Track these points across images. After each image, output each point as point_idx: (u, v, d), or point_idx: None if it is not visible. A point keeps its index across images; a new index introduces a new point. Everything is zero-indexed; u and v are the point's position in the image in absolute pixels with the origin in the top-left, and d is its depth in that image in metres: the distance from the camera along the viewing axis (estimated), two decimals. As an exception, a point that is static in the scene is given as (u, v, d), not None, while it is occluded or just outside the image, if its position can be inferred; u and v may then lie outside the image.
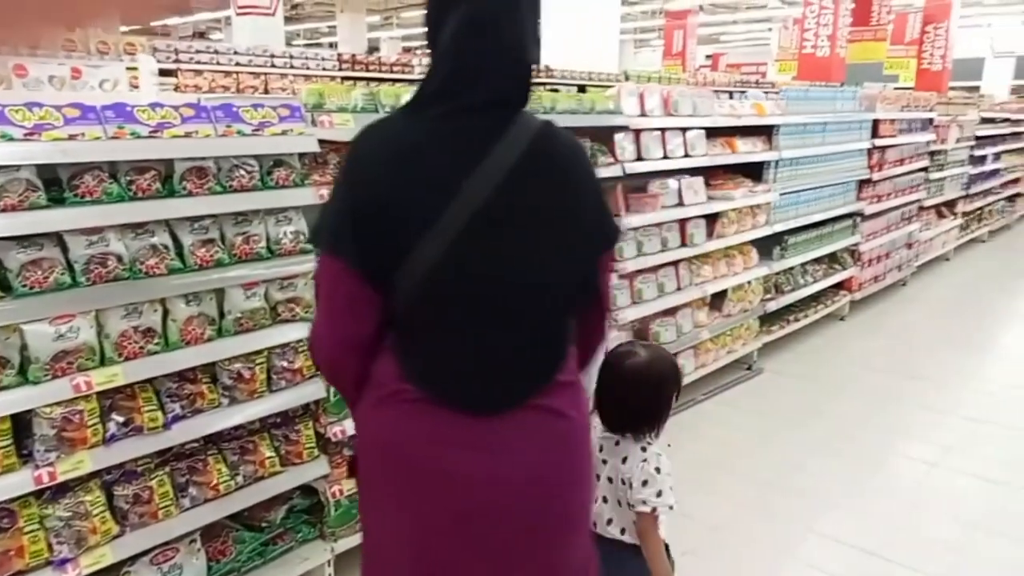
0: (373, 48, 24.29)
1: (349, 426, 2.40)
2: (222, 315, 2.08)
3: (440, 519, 1.27)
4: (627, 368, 1.76)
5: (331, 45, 22.19)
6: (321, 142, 2.39)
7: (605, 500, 1.80)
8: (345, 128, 2.23)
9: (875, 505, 3.06)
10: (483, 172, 1.21)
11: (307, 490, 2.45)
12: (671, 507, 1.73)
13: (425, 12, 1.29)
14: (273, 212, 2.15)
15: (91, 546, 1.83)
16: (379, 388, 1.29)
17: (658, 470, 1.74)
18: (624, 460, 1.77)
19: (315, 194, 2.16)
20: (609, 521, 1.79)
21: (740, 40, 26.50)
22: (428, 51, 1.29)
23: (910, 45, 16.48)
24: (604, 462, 1.80)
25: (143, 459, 1.99)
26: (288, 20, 19.48)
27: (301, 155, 2.23)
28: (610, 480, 1.79)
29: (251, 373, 2.13)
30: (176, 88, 5.66)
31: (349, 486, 2.43)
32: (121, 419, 1.89)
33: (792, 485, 3.13)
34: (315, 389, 2.30)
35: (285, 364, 2.22)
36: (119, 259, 1.84)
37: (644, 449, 1.77)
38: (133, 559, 1.98)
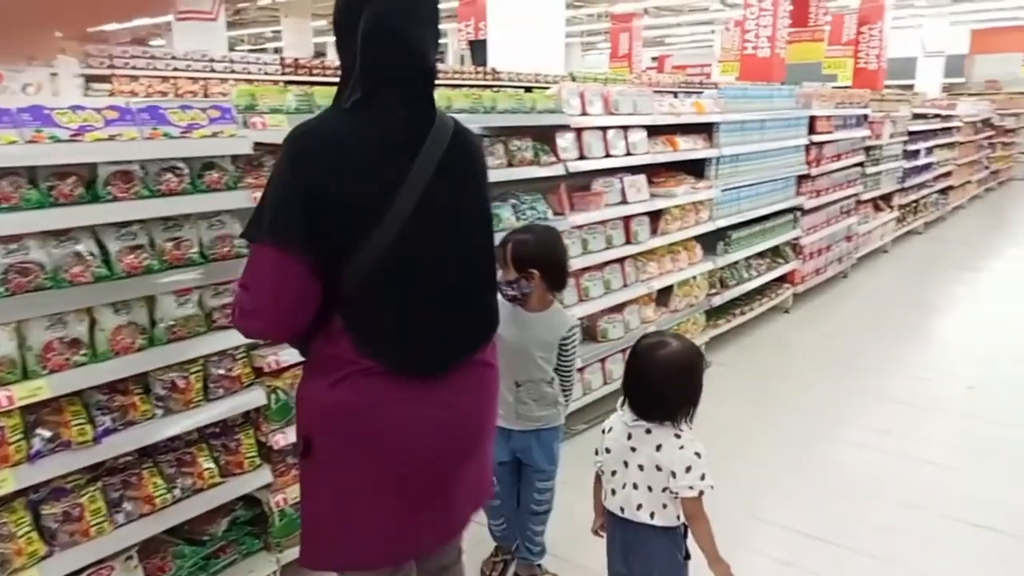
0: (320, 53, 23.99)
1: (291, 433, 2.36)
2: (154, 323, 2.02)
3: (403, 469, 1.48)
4: (660, 358, 1.84)
5: (276, 50, 21.83)
6: (257, 144, 2.36)
7: (635, 487, 1.86)
8: (279, 129, 2.19)
9: (817, 490, 3.14)
10: (420, 166, 1.39)
11: (250, 501, 2.40)
12: (712, 487, 1.81)
13: (334, 18, 1.44)
14: (206, 216, 2.10)
15: (16, 569, 1.75)
16: (338, 368, 1.43)
17: (698, 455, 1.81)
18: (659, 448, 1.83)
19: (249, 197, 2.11)
20: (639, 506, 1.86)
21: (685, 42, 27.00)
22: (339, 53, 1.45)
23: (847, 45, 17.02)
24: (633, 450, 1.86)
25: (72, 475, 1.91)
26: (232, 25, 19.12)
27: (234, 157, 2.18)
28: (641, 468, 1.84)
29: (186, 382, 2.08)
30: (110, 94, 5.49)
31: (294, 495, 2.38)
32: (47, 434, 1.82)
33: (737, 474, 3.19)
34: (255, 396, 2.25)
35: (222, 372, 2.17)
36: (41, 268, 1.77)
37: (679, 436, 1.84)
38: (65, 579, 1.90)
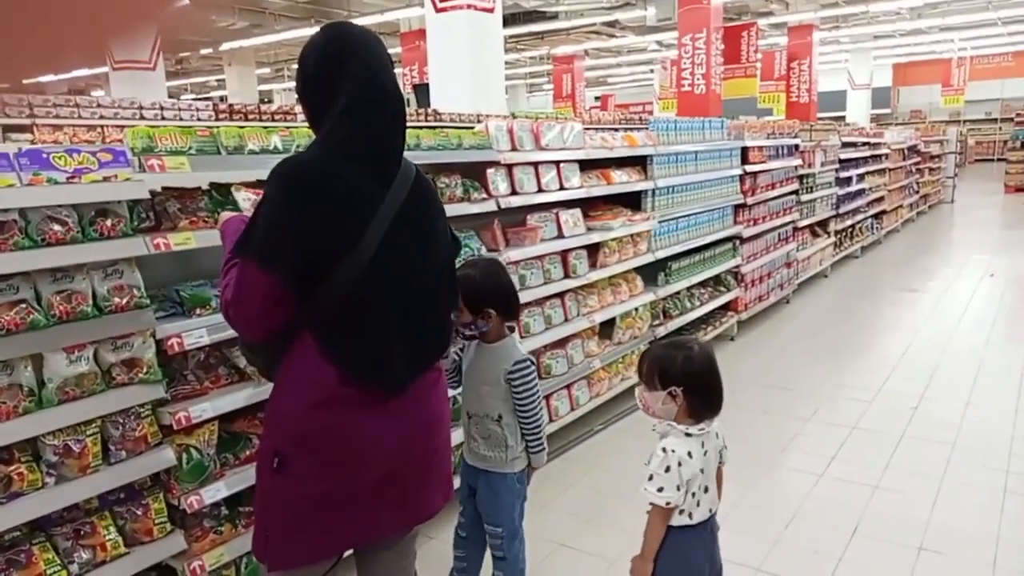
0: (267, 100, 23.87)
1: (207, 494, 2.20)
2: (42, 384, 1.86)
3: (372, 475, 1.64)
4: (707, 355, 1.95)
5: (222, 99, 21.63)
6: (165, 189, 2.24)
7: (707, 489, 1.95)
8: (180, 172, 2.08)
9: (759, 520, 3.08)
10: (389, 202, 1.60)
11: (164, 571, 2.21)
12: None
13: (315, 69, 1.62)
14: (100, 266, 1.96)
15: None
16: (313, 389, 1.58)
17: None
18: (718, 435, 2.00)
19: (148, 243, 1.99)
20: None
21: (626, 82, 27.77)
22: (316, 99, 1.64)
23: (779, 80, 17.73)
24: (705, 454, 1.93)
25: (-54, 557, 1.73)
26: (175, 75, 18.92)
27: (135, 203, 2.06)
28: (703, 470, 1.92)
29: (82, 446, 1.91)
30: (31, 144, 5.28)
31: (212, 560, 2.21)
32: (-86, 513, 1.64)
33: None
34: (163, 457, 2.09)
35: (124, 433, 2.01)
36: (-97, 329, 1.61)
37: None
38: (-62, 677, 1.70)
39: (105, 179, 1.90)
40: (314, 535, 1.65)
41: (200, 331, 2.14)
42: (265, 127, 2.41)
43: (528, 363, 2.27)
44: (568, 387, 3.92)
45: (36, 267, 1.81)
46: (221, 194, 2.37)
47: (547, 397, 3.77)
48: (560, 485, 3.46)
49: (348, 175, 1.57)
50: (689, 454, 1.89)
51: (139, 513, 2.07)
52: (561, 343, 3.89)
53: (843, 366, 5.18)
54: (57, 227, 1.83)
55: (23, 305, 1.79)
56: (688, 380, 1.91)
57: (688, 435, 1.91)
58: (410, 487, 1.74)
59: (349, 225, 1.55)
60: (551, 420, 3.79)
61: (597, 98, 27.36)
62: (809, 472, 3.52)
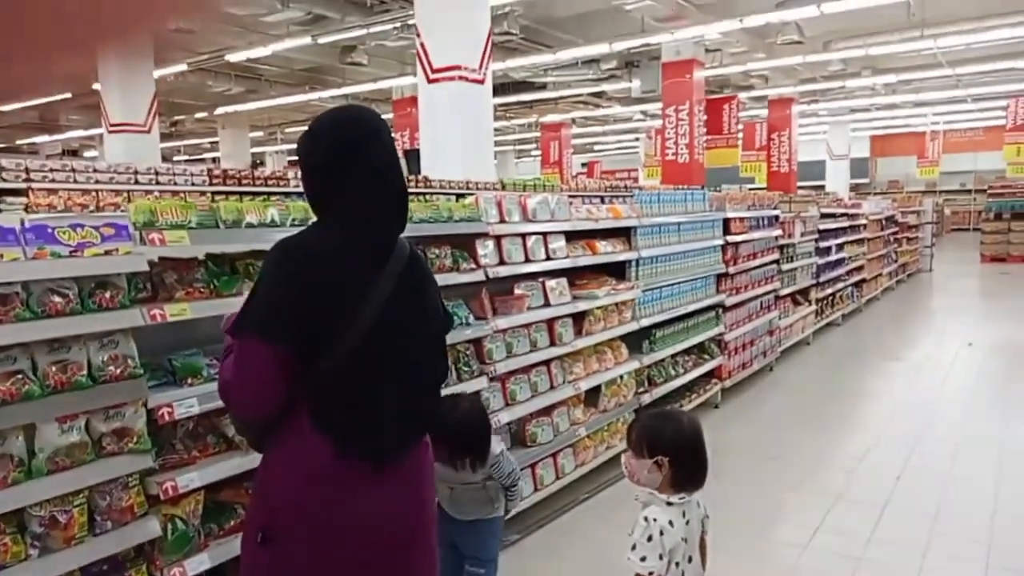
0: (259, 163, 24.22)
1: (190, 566, 2.19)
2: (32, 454, 1.88)
3: (366, 551, 1.65)
4: (695, 429, 2.03)
5: (214, 160, 21.94)
6: (162, 259, 2.30)
7: (690, 560, 1.98)
8: (180, 245, 2.16)
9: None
10: (384, 280, 1.65)
11: (142, 645, 2.18)
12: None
13: (326, 155, 1.64)
14: (96, 336, 2.01)
15: None
16: (308, 465, 1.59)
17: None
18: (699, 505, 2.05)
19: (145, 314, 2.04)
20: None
21: (612, 149, 28.48)
22: (321, 180, 1.67)
23: (760, 151, 18.27)
24: (688, 524, 1.98)
25: (-76, 632, 1.71)
26: (167, 137, 19.23)
27: (133, 275, 2.12)
28: (687, 540, 1.97)
29: (68, 517, 1.92)
30: (26, 208, 5.36)
31: (191, 635, 2.18)
32: None
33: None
34: (149, 528, 2.09)
35: (111, 503, 2.01)
36: (-100, 399, 1.64)
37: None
38: None
39: (107, 252, 1.96)
40: None
41: (191, 400, 2.17)
42: (263, 202, 2.50)
43: (502, 455, 2.54)
44: (554, 455, 3.93)
45: (35, 338, 1.85)
46: (217, 264, 2.43)
47: (532, 466, 3.78)
48: (547, 556, 3.44)
49: (347, 256, 1.63)
50: (670, 523, 1.93)
51: (121, 586, 2.05)
52: (547, 411, 3.92)
53: (828, 434, 5.22)
54: (58, 299, 1.88)
55: (19, 376, 1.83)
56: (675, 451, 1.97)
57: (669, 504, 1.95)
58: (401, 560, 1.74)
59: (346, 302, 1.60)
60: (536, 489, 3.79)
61: (584, 164, 28.00)
62: (794, 544, 3.52)
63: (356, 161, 1.64)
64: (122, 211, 2.11)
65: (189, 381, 2.23)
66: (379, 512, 1.66)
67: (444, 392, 2.07)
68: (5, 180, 5.39)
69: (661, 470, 1.97)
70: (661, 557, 1.91)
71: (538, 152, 22.53)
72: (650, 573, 1.91)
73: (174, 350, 2.29)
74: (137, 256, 2.03)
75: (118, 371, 2.02)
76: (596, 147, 27.81)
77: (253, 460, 2.33)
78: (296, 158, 1.76)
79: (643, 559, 1.90)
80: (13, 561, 1.82)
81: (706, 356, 5.70)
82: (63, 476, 1.91)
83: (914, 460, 4.60)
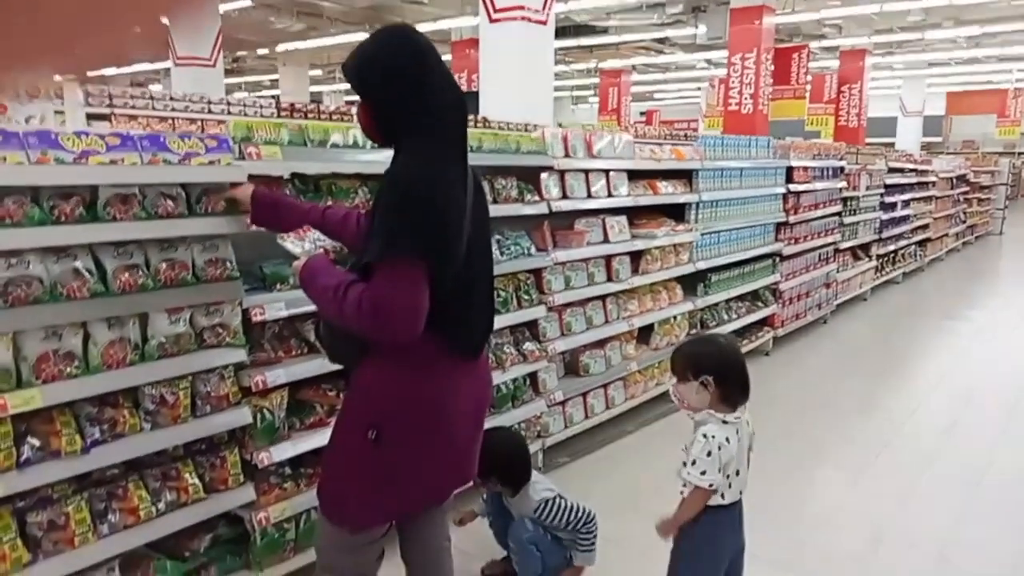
0: (316, 101, 24.47)
1: (275, 453, 2.41)
2: (145, 340, 2.10)
3: (457, 438, 1.85)
4: (734, 346, 2.22)
5: (274, 98, 22.26)
6: (251, 177, 2.47)
7: (738, 473, 2.11)
8: (273, 160, 2.32)
9: (790, 522, 3.19)
10: (472, 195, 1.79)
11: (233, 520, 2.43)
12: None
13: (400, 72, 1.69)
14: (200, 240, 2.20)
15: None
16: (418, 363, 1.75)
17: None
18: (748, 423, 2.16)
19: (242, 222, 2.22)
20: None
21: (673, 98, 27.78)
22: (401, 101, 1.71)
23: (828, 104, 17.61)
24: (740, 440, 2.10)
25: (59, 485, 1.96)
26: (229, 73, 19.54)
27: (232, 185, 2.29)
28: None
29: (175, 398, 2.14)
30: (110, 133, 5.63)
31: (276, 513, 2.42)
32: (37, 443, 1.88)
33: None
34: (242, 415, 2.32)
35: (210, 390, 2.24)
36: (40, 282, 1.86)
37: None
38: (46, 589, 1.93)
39: (211, 163, 2.13)
40: (391, 499, 1.81)
41: (280, 304, 2.37)
42: (348, 125, 2.63)
43: (546, 504, 2.58)
44: (605, 387, 4.07)
45: (150, 237, 2.05)
46: (303, 183, 2.60)
47: (584, 395, 3.94)
48: (594, 479, 3.61)
49: (452, 171, 1.73)
50: (727, 439, 2.05)
51: (217, 464, 2.29)
52: (600, 344, 4.05)
53: (878, 387, 5.23)
54: (169, 202, 2.07)
55: (135, 269, 2.03)
56: (718, 369, 2.09)
57: (725, 422, 2.07)
58: (469, 448, 1.93)
59: (460, 215, 1.73)
60: (586, 417, 3.95)
61: (642, 113, 27.42)
62: (838, 483, 3.61)
63: (427, 66, 1.70)
64: (223, 125, 2.26)
65: (278, 287, 2.42)
66: (472, 398, 1.87)
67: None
68: (91, 105, 5.67)
69: (708, 389, 2.08)
70: (719, 471, 2.04)
71: (596, 99, 22.14)
72: (710, 485, 2.05)
73: (265, 259, 2.48)
74: (237, 168, 2.20)
75: (218, 272, 2.22)
76: (656, 95, 27.18)
77: (333, 364, 2.53)
78: (361, 91, 1.74)
79: (703, 473, 2.02)
80: (130, 432, 2.06)
81: (760, 304, 5.72)
82: (171, 362, 2.13)
83: (966, 416, 4.60)
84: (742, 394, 2.11)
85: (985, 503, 3.43)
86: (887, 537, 3.09)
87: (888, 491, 3.52)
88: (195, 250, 2.19)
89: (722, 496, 2.07)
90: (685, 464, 2.06)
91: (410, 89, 1.70)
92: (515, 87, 8.28)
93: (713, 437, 2.04)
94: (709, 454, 2.03)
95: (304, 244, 1.93)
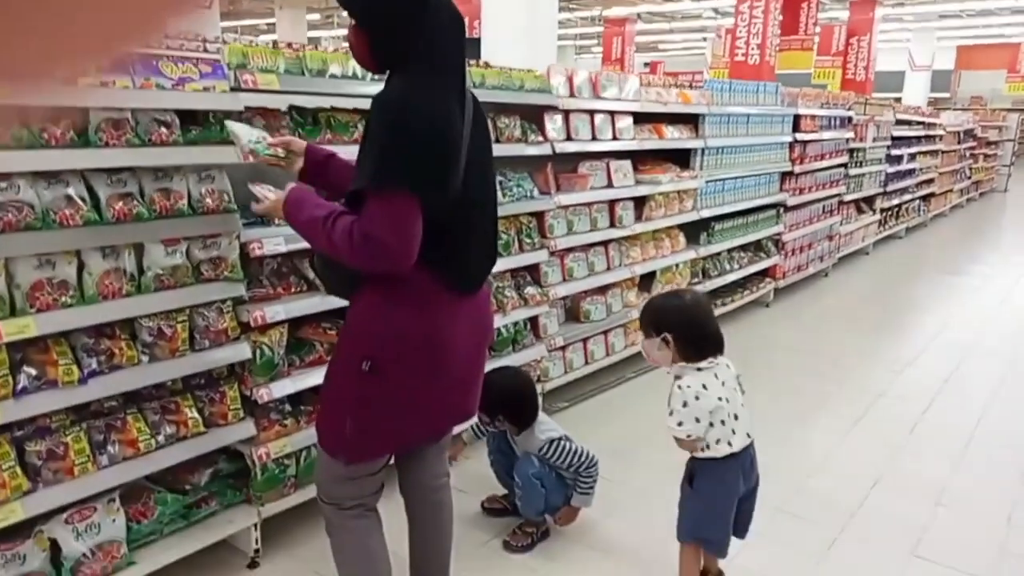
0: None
1: (275, 389, 2.40)
2: (141, 271, 2.06)
3: (452, 373, 1.81)
4: (696, 304, 2.15)
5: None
6: (248, 108, 2.40)
7: (737, 417, 2.10)
8: (270, 88, 2.24)
9: (788, 469, 3.21)
10: (472, 124, 1.74)
11: (233, 455, 2.43)
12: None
13: (397, 5, 1.63)
14: (196, 169, 2.14)
15: (-1, 501, 1.78)
16: (413, 297, 1.71)
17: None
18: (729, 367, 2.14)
19: (238, 153, 2.15)
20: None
21: (678, 49, 27.22)
22: (396, 25, 1.64)
23: (836, 56, 17.25)
24: (723, 384, 2.09)
25: (57, 415, 1.95)
26: (225, 16, 19.08)
27: (227, 116, 2.22)
28: (727, 400, 2.08)
29: (172, 331, 2.11)
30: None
31: (276, 449, 2.42)
32: (33, 372, 1.85)
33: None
34: (240, 350, 2.29)
35: (208, 324, 2.21)
36: (31, 208, 1.81)
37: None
38: (46, 517, 1.93)
39: (205, 89, 2.06)
40: (387, 433, 1.80)
41: (278, 239, 2.32)
42: (346, 55, 2.53)
43: (552, 444, 2.56)
44: (605, 333, 4.06)
45: (143, 164, 1.99)
46: (301, 116, 2.52)
47: (584, 341, 3.92)
48: (593, 424, 3.63)
49: (449, 99, 1.66)
50: (704, 386, 2.04)
51: (216, 398, 2.28)
52: (601, 290, 4.03)
53: (877, 339, 5.23)
54: (163, 129, 2.00)
55: (129, 197, 1.98)
56: (678, 327, 2.07)
57: (699, 369, 2.07)
58: (467, 385, 1.90)
59: (456, 144, 1.66)
60: (586, 362, 3.95)
61: (646, 64, 26.91)
62: (835, 431, 3.63)
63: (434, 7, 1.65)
64: (217, 49, 2.18)
65: (276, 221, 2.36)
66: (470, 333, 1.82)
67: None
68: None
69: (669, 347, 2.08)
70: (698, 421, 2.03)
71: (599, 49, 21.69)
72: (688, 436, 2.05)
73: (262, 192, 2.42)
74: (233, 96, 2.13)
75: (214, 204, 2.16)
76: (660, 46, 26.62)
77: (331, 301, 2.50)
78: (356, 13, 1.68)
79: (680, 424, 2.03)
80: (128, 364, 2.04)
81: (762, 254, 5.68)
82: (168, 294, 2.09)
83: (965, 367, 4.61)
84: (708, 349, 2.10)
85: (981, 451, 3.45)
86: (884, 484, 3.11)
87: (886, 439, 3.54)
88: (191, 180, 2.13)
89: (728, 444, 2.07)
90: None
91: (407, 10, 1.63)
92: (518, 34, 8.08)
93: (689, 387, 2.04)
94: (685, 404, 2.03)
95: (252, 130, 1.90)
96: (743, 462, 2.14)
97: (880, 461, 3.31)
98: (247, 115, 2.37)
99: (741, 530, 2.24)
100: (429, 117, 1.60)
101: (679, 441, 2.08)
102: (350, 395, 1.78)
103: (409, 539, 2.09)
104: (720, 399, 2.06)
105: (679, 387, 2.05)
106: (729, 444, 2.07)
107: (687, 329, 2.08)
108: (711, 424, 2.06)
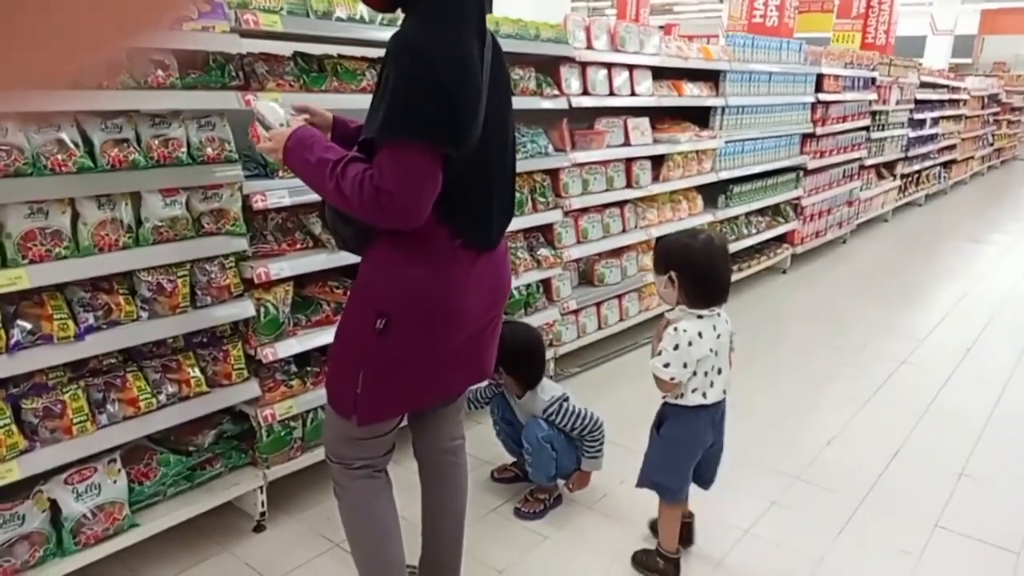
0: None
1: (281, 349, 2.32)
2: (139, 222, 1.96)
3: (466, 331, 1.72)
4: (709, 246, 2.04)
5: None
6: (250, 54, 2.27)
7: (720, 371, 2.07)
8: (272, 30, 2.11)
9: (806, 438, 3.13)
10: (492, 73, 1.61)
11: (238, 416, 2.36)
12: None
13: None
14: (195, 116, 2.03)
15: (-5, 459, 1.72)
16: (428, 253, 1.62)
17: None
18: (727, 322, 2.10)
19: (239, 99, 2.04)
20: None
21: (693, 11, 26.59)
22: None
23: (856, 19, 16.76)
24: (719, 337, 2.05)
25: (54, 371, 1.87)
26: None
27: (227, 60, 2.10)
28: (716, 352, 2.05)
29: (172, 286, 2.02)
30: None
31: (282, 411, 2.35)
32: (28, 326, 1.77)
33: (730, 422, 3.17)
34: (244, 308, 2.20)
35: (210, 280, 2.11)
36: (20, 152, 1.70)
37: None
38: (46, 477, 1.87)
39: (204, 29, 1.93)
40: (400, 393, 1.71)
41: (282, 192, 2.21)
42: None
43: (557, 403, 2.47)
44: (619, 297, 3.96)
45: (138, 107, 1.88)
46: (306, 62, 2.40)
47: (598, 304, 3.82)
48: (605, 389, 3.54)
49: (468, 41, 1.55)
50: (699, 334, 2.00)
51: (219, 357, 2.20)
52: (616, 253, 3.91)
53: (896, 307, 5.10)
54: (159, 72, 1.88)
55: (125, 144, 1.87)
56: (684, 268, 2.02)
57: (699, 317, 2.02)
58: (482, 345, 1.81)
59: (477, 95, 1.55)
60: (599, 327, 3.85)
61: (660, 27, 26.33)
62: (853, 400, 3.53)
63: None
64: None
65: (280, 174, 2.26)
66: (486, 291, 1.73)
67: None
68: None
69: (674, 286, 2.03)
70: (685, 366, 1.99)
71: (613, 11, 21.19)
72: (671, 379, 2.00)
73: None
74: (232, 37, 2.00)
75: (215, 153, 2.06)
76: (676, 7, 26.00)
77: (338, 259, 2.40)
78: None
79: (666, 365, 1.99)
80: (126, 319, 1.95)
81: (780, 219, 5.53)
82: (167, 247, 2.00)
83: (986, 336, 4.49)
84: (711, 297, 2.04)
85: (1005, 422, 3.35)
86: (905, 453, 3.02)
87: (907, 408, 3.44)
88: (190, 127, 2.02)
89: (703, 395, 2.06)
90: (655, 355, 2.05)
91: None
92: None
93: (685, 331, 2.00)
94: (676, 347, 1.99)
95: (279, 111, 1.67)
96: (714, 415, 2.14)
97: (900, 431, 3.22)
98: (250, 57, 2.25)
99: (707, 481, 2.27)
100: (446, 62, 1.48)
101: (660, 382, 2.05)
102: (362, 354, 1.69)
103: (422, 501, 2.01)
104: (711, 351, 2.04)
105: (674, 329, 2.01)
106: (704, 396, 2.07)
107: (693, 271, 2.03)
108: (694, 373, 2.03)
